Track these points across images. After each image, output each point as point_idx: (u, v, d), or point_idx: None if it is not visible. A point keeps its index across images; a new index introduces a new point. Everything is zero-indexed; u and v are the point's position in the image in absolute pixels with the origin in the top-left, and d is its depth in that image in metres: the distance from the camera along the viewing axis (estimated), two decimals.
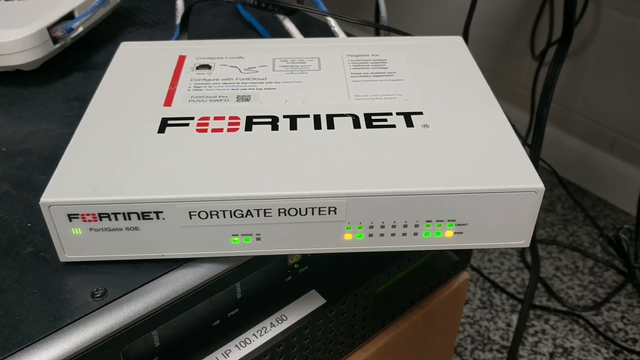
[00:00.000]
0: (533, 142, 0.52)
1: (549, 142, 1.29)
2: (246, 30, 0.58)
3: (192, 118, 0.36)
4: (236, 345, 0.38)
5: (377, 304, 0.45)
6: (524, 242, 0.34)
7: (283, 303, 0.40)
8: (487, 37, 1.33)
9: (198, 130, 0.35)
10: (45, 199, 0.31)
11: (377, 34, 0.67)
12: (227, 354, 0.37)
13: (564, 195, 1.27)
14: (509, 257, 1.14)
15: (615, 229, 1.19)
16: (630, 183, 1.19)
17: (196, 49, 0.44)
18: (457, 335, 0.98)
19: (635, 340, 0.98)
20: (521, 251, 1.14)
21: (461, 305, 0.56)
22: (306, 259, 0.41)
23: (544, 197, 1.27)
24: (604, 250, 0.55)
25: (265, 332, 0.39)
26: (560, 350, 0.96)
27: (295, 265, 0.41)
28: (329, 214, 0.32)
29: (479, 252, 1.15)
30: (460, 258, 0.51)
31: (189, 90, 0.39)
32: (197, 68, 0.42)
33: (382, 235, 0.33)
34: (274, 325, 0.39)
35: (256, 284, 0.39)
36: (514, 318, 1.01)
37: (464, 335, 0.99)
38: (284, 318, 0.40)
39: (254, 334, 0.38)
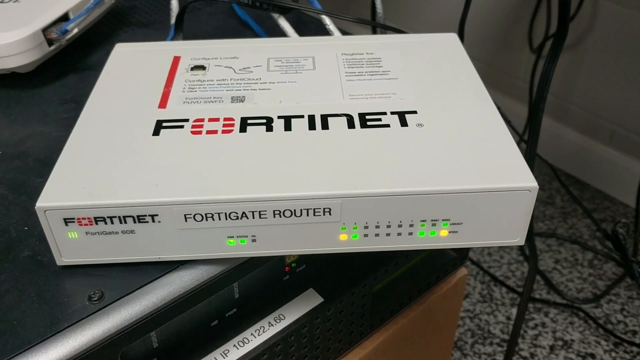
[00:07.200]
0: (529, 138, 0.52)
1: (548, 135, 1.29)
2: (242, 29, 0.58)
3: (187, 120, 0.37)
4: (234, 345, 0.38)
5: (375, 302, 0.46)
6: (519, 240, 0.34)
7: (281, 302, 0.40)
8: (485, 30, 1.33)
9: (193, 132, 0.35)
10: (40, 203, 0.31)
11: (373, 30, 0.67)
12: (225, 354, 0.38)
13: (564, 188, 1.27)
14: (508, 250, 1.15)
15: (614, 221, 1.19)
16: (629, 175, 1.19)
17: (191, 50, 0.44)
18: (456, 330, 0.98)
19: (635, 332, 0.98)
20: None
21: (460, 301, 0.57)
22: (303, 258, 0.41)
23: (544, 190, 1.27)
24: (602, 244, 0.55)
25: (264, 332, 0.39)
26: (560, 343, 0.97)
27: (293, 264, 0.41)
28: (324, 215, 0.32)
29: None
30: (458, 254, 0.52)
31: (183, 91, 0.39)
32: (192, 69, 0.42)
33: (377, 235, 0.33)
34: (272, 325, 0.39)
35: (254, 284, 0.39)
36: (514, 311, 1.01)
37: (464, 329, 0.99)
38: (282, 317, 0.40)
39: (252, 334, 0.39)
